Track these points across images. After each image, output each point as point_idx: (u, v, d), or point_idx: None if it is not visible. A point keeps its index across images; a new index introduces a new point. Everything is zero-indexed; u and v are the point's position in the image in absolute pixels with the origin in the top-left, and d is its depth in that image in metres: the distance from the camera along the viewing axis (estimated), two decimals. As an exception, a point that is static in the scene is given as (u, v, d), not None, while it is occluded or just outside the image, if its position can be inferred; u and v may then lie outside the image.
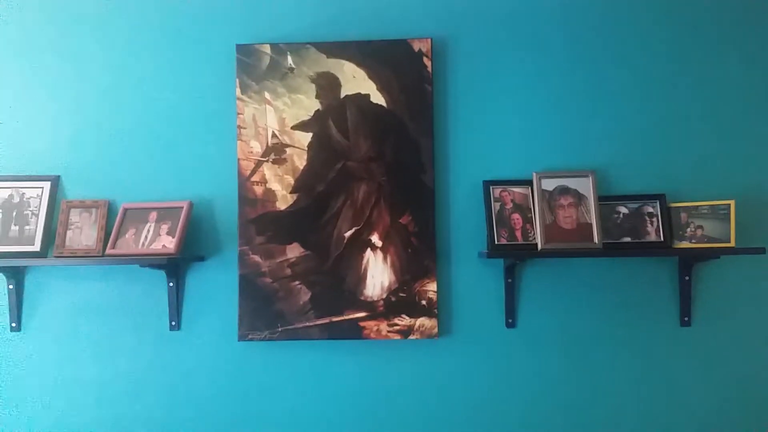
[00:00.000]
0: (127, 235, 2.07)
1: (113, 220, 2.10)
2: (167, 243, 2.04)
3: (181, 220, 2.05)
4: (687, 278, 2.07)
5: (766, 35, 2.11)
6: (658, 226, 2.04)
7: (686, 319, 2.08)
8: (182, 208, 2.07)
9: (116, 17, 2.18)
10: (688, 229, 2.02)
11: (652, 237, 2.04)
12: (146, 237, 2.06)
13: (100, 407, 2.14)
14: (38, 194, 2.13)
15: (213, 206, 2.15)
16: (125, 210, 2.10)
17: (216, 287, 2.13)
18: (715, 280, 2.09)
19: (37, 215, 2.11)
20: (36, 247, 2.09)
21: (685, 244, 2.02)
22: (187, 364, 2.13)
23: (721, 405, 2.08)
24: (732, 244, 1.95)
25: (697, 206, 2.02)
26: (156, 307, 2.14)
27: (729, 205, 1.97)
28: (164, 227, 2.06)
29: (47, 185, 2.14)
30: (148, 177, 2.16)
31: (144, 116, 2.17)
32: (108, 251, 2.05)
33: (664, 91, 2.12)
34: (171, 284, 2.11)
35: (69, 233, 2.10)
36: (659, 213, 2.04)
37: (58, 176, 2.17)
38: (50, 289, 2.15)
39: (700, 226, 2.01)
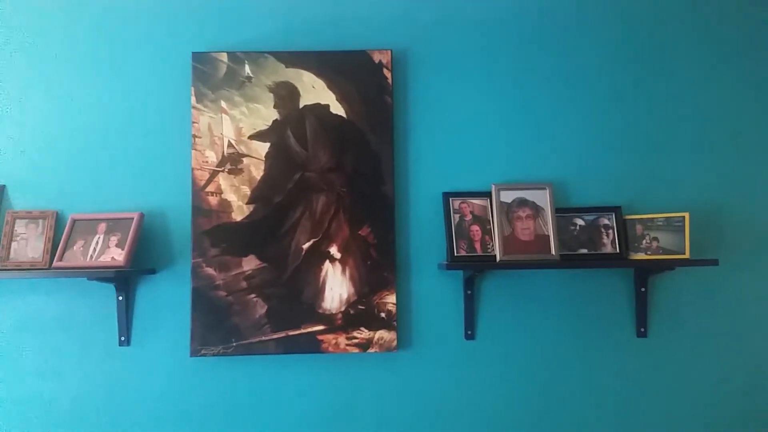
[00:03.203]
0: (75, 247, 2.00)
1: (61, 232, 2.02)
2: (116, 255, 1.97)
3: (131, 231, 1.99)
4: (643, 289, 2.09)
5: (722, 52, 2.16)
6: (614, 238, 2.06)
7: (642, 329, 2.09)
8: (133, 219, 2.00)
9: (68, 23, 2.12)
10: (644, 241, 2.04)
11: (608, 249, 2.05)
12: (95, 249, 1.99)
13: (44, 427, 2.04)
14: (-19, 204, 2.04)
15: (165, 217, 2.09)
16: (74, 221, 2.03)
17: (167, 301, 2.07)
18: (671, 291, 2.12)
19: (-21, 226, 2.03)
20: (-22, 259, 2.00)
21: (640, 256, 2.04)
22: (137, 380, 2.06)
23: (676, 415, 2.10)
24: (687, 255, 1.97)
25: (653, 218, 2.04)
26: (105, 321, 2.06)
27: (683, 217, 2.00)
28: (113, 239, 1.99)
29: (-9, 195, 2.06)
30: (98, 187, 2.09)
31: (95, 123, 2.11)
32: (55, 264, 1.98)
33: (621, 104, 2.15)
34: (120, 298, 2.04)
35: (14, 245, 2.02)
36: (615, 225, 2.06)
37: (3, 185, 2.09)
38: (-7, 304, 2.06)
39: (656, 238, 2.03)
